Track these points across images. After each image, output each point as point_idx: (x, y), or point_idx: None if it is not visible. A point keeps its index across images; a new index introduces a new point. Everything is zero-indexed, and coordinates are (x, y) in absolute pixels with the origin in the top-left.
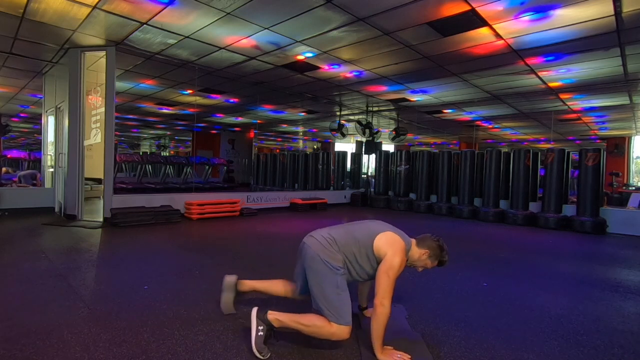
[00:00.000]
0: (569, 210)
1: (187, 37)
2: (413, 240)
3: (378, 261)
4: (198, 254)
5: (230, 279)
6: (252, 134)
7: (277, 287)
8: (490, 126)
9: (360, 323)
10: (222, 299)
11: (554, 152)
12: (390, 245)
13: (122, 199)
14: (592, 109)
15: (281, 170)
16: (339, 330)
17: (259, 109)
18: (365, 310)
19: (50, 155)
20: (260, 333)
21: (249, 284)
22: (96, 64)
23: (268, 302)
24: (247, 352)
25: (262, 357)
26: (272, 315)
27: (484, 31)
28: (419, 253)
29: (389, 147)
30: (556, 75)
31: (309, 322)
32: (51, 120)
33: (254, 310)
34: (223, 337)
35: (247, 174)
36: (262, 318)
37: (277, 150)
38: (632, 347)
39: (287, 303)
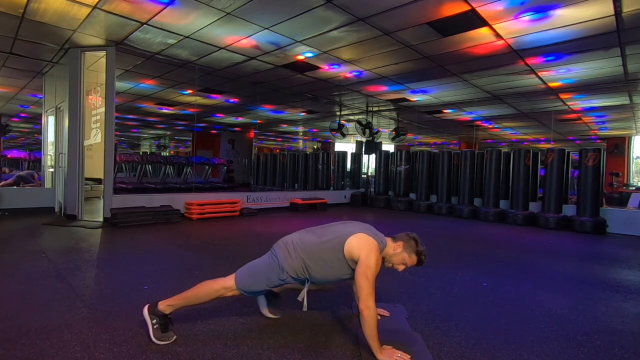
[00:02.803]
0: (569, 210)
1: (187, 37)
2: (388, 239)
3: (350, 264)
4: (198, 254)
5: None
6: (252, 134)
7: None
8: (490, 126)
9: (360, 323)
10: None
11: (554, 152)
12: (361, 246)
13: (122, 199)
14: (592, 109)
15: (281, 170)
16: (231, 292)
17: (259, 109)
18: None
19: (50, 155)
20: (156, 326)
21: (166, 303)
22: (96, 64)
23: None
24: (248, 351)
25: (166, 342)
26: (163, 304)
27: (484, 31)
28: (393, 247)
29: (389, 147)
30: (556, 75)
31: (197, 290)
32: (51, 120)
33: (145, 309)
34: (223, 337)
35: (247, 174)
36: (152, 312)
37: (277, 150)
38: (632, 347)
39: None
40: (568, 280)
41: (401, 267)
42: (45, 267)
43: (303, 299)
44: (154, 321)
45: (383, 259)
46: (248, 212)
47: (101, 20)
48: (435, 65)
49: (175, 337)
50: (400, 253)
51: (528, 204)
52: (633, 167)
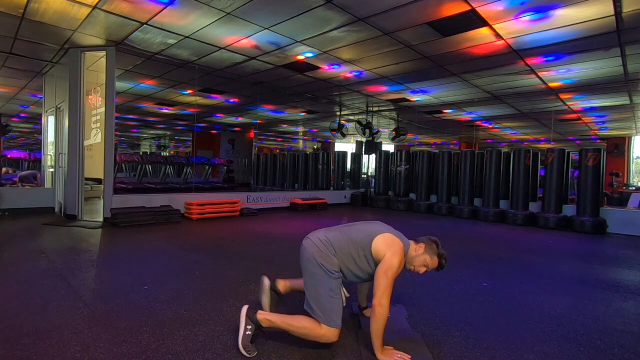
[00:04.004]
0: (569, 210)
1: (187, 37)
2: (410, 241)
3: (376, 262)
4: (198, 254)
5: (266, 281)
6: (252, 134)
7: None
8: (490, 126)
9: (360, 323)
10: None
11: (554, 152)
12: (389, 246)
13: (122, 199)
14: (592, 109)
15: (281, 170)
16: (329, 333)
17: (259, 109)
18: (365, 310)
19: (50, 155)
20: (248, 332)
21: (284, 284)
22: (96, 64)
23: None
24: None
25: (247, 355)
26: (262, 315)
27: (484, 31)
28: (415, 249)
29: (389, 147)
30: (556, 75)
31: (298, 324)
32: (51, 120)
33: (244, 309)
34: (223, 337)
35: (247, 174)
36: (251, 317)
37: (277, 150)
38: (632, 347)
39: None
40: (568, 280)
41: (422, 269)
42: (45, 267)
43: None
44: (249, 326)
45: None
46: (248, 212)
47: (101, 20)
48: (435, 65)
49: (256, 352)
50: (421, 255)
51: (528, 204)
52: (633, 167)
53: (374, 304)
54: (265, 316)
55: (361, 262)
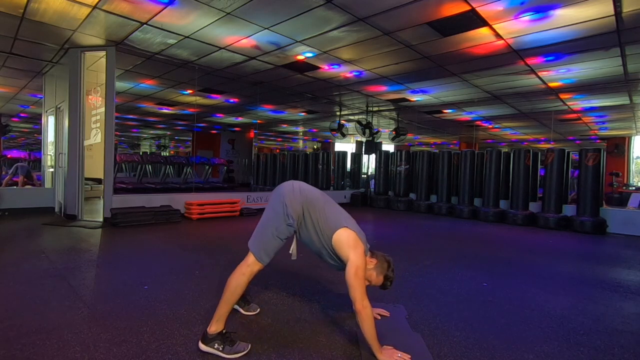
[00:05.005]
0: (569, 210)
1: (187, 37)
2: (368, 252)
3: (332, 249)
4: (198, 254)
5: None
6: (252, 134)
7: None
8: (490, 126)
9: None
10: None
11: (554, 152)
12: (353, 247)
13: (122, 199)
14: (592, 109)
15: (281, 170)
16: (254, 265)
17: (259, 109)
18: None
19: (50, 155)
20: (221, 347)
21: (214, 323)
22: (96, 64)
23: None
24: (248, 351)
25: (243, 352)
26: (212, 326)
27: (484, 31)
28: (367, 261)
29: (389, 147)
30: (556, 75)
31: (230, 288)
32: (51, 120)
33: (199, 345)
34: None
35: (247, 174)
36: (209, 341)
37: (277, 150)
38: (632, 347)
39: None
40: (568, 280)
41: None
42: (45, 267)
43: (292, 250)
44: (216, 346)
45: None
46: (248, 212)
47: (101, 20)
48: (435, 65)
49: (249, 345)
50: (370, 270)
51: (528, 204)
52: (633, 167)
53: (358, 309)
54: (213, 321)
55: (319, 229)
